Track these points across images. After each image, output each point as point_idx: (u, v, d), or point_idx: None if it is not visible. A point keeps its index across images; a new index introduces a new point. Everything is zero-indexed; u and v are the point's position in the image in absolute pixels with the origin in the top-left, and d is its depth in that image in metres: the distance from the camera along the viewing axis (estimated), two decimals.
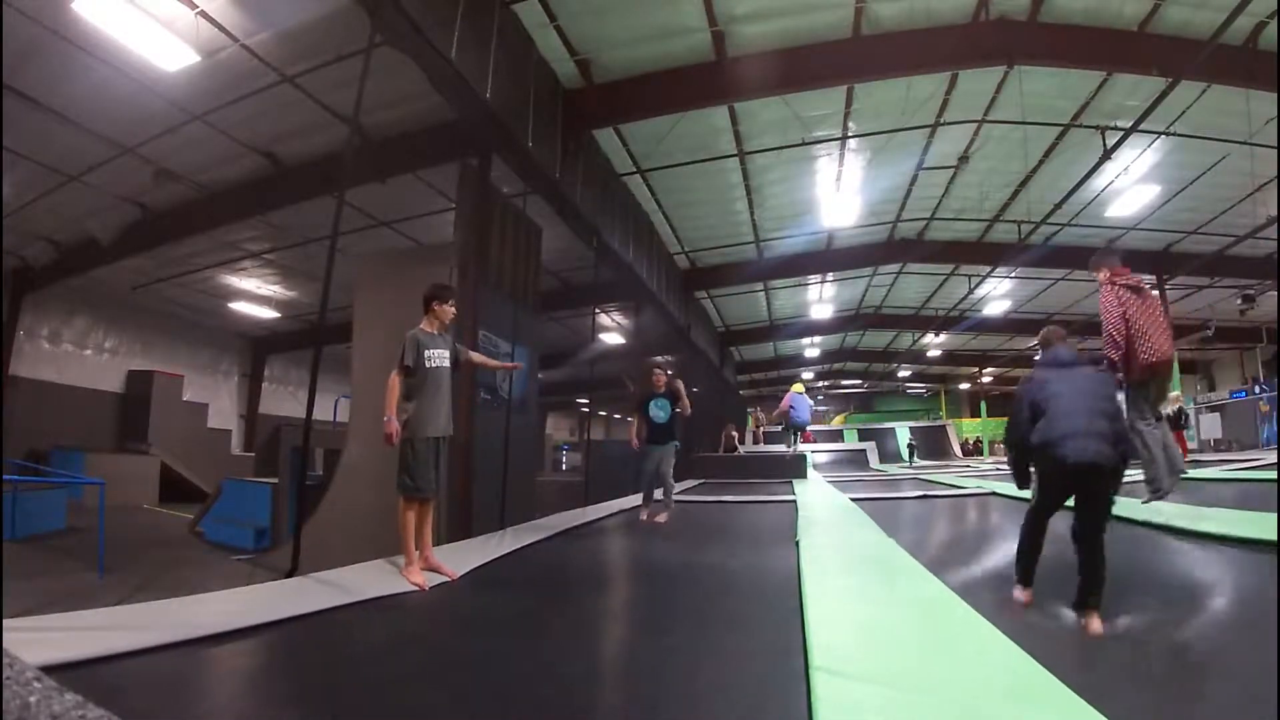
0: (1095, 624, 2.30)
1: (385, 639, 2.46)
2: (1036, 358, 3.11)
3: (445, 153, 6.81)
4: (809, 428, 13.87)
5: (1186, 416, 10.10)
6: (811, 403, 13.35)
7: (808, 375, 28.60)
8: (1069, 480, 2.50)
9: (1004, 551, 4.10)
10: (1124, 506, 5.07)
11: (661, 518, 5.64)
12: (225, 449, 15.42)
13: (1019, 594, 2.74)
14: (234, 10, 5.55)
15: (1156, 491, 3.90)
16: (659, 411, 5.60)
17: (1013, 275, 14.91)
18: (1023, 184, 10.49)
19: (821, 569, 3.26)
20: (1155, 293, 3.91)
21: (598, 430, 26.77)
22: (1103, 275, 4.08)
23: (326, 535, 5.05)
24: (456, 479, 5.35)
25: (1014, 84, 7.66)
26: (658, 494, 5.92)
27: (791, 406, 12.11)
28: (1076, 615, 2.37)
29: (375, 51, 4.46)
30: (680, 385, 5.88)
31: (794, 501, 7.02)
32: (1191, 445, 16.80)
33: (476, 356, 3.98)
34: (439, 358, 3.42)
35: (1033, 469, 2.72)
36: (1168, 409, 10.33)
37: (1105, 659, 1.99)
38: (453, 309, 3.55)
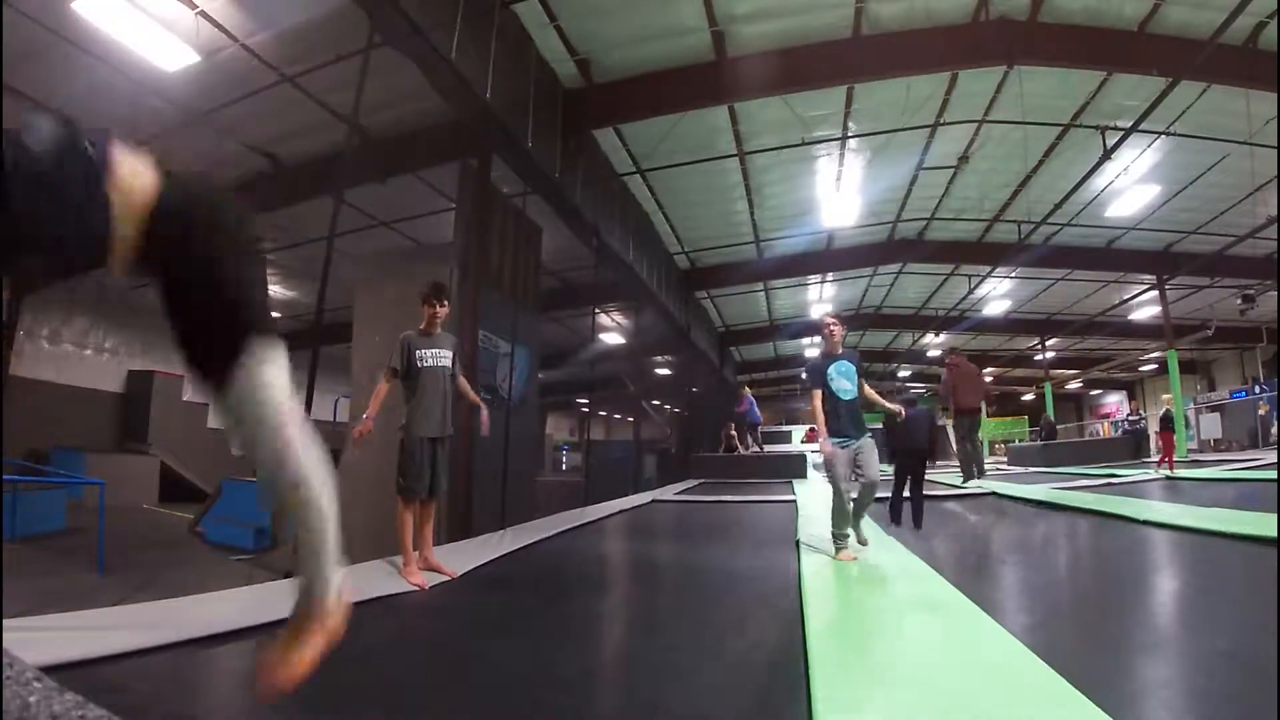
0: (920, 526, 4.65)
1: (385, 639, 2.46)
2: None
3: (445, 153, 6.81)
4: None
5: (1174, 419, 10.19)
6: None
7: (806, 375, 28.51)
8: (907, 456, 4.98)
9: (1005, 551, 4.10)
10: (1125, 506, 5.08)
11: (848, 557, 3.46)
12: (225, 449, 15.38)
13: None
14: (234, 10, 5.54)
15: (965, 480, 7.54)
16: (845, 381, 3.68)
17: (1013, 275, 14.91)
18: (1023, 184, 10.49)
19: (822, 568, 3.26)
20: (973, 366, 8.18)
21: (598, 430, 26.75)
22: (949, 361, 8.26)
23: None
24: (457, 479, 5.35)
25: (1014, 84, 7.66)
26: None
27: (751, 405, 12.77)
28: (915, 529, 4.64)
29: (375, 52, 4.46)
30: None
31: (794, 501, 7.02)
32: (1191, 445, 16.79)
33: (464, 383, 3.62)
34: (434, 357, 3.37)
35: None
36: (1158, 411, 10.50)
37: (1104, 653, 1.99)
38: (436, 309, 3.38)
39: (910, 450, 4.92)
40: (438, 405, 3.36)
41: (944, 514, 6.35)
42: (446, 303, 3.45)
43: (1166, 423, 10.10)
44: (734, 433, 15.23)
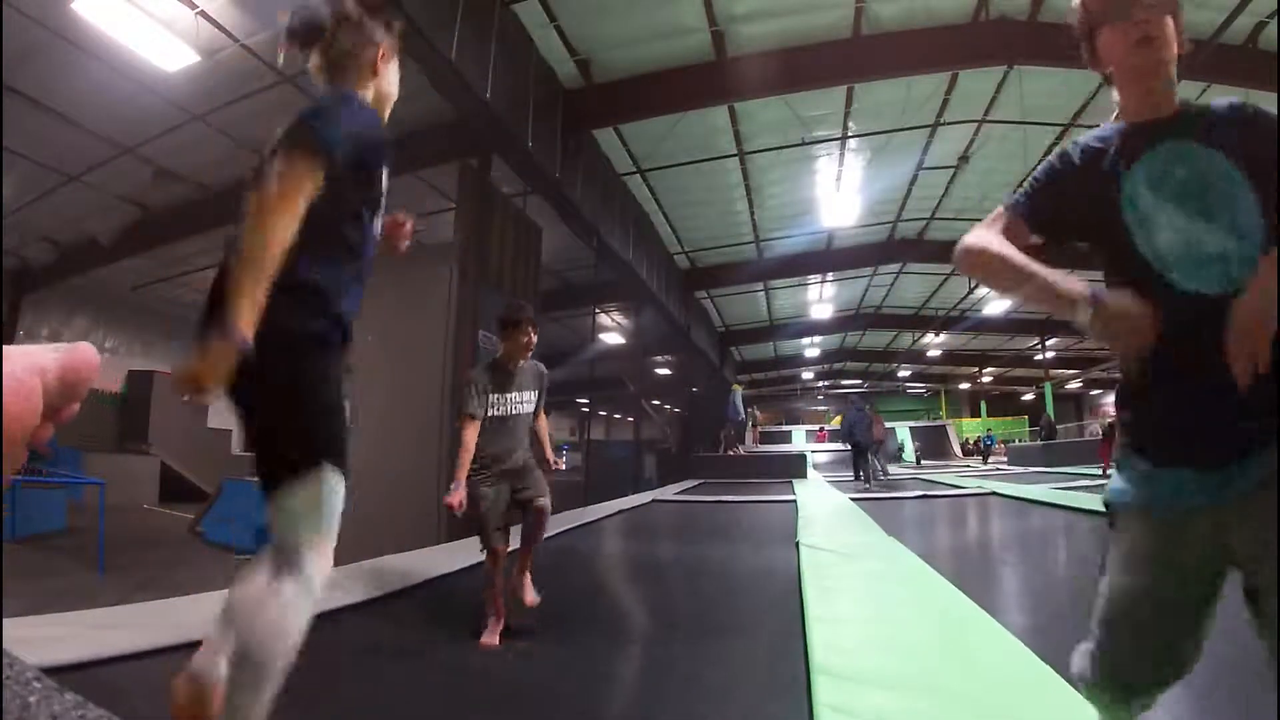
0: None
1: (385, 639, 2.46)
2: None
3: (445, 153, 6.81)
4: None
5: (1113, 429, 10.50)
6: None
7: (808, 375, 28.63)
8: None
9: (1005, 551, 4.10)
10: None
11: None
12: (225, 449, 15.38)
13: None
14: (234, 10, 5.55)
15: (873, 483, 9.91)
16: (1188, 218, 0.90)
17: None
18: (1023, 184, 10.50)
19: (822, 569, 3.26)
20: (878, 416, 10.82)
21: (598, 430, 26.75)
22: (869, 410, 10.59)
23: None
24: None
25: (1014, 84, 7.66)
26: None
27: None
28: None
29: None
30: None
31: (794, 501, 7.02)
32: None
33: (543, 427, 2.95)
34: (513, 403, 2.72)
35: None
36: (1101, 424, 10.97)
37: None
38: (531, 337, 2.76)
39: (858, 445, 9.72)
40: (507, 455, 2.74)
41: (944, 514, 6.36)
42: (528, 330, 2.77)
43: (1110, 430, 10.34)
44: (734, 432, 15.29)
